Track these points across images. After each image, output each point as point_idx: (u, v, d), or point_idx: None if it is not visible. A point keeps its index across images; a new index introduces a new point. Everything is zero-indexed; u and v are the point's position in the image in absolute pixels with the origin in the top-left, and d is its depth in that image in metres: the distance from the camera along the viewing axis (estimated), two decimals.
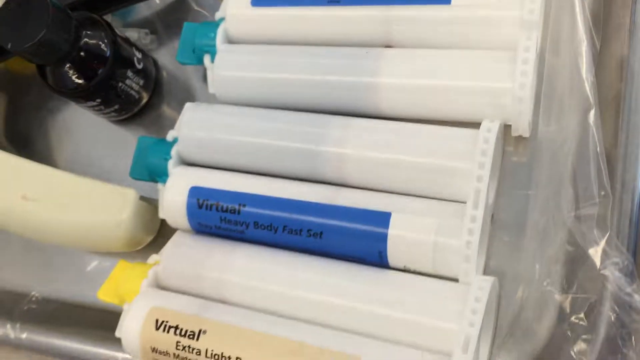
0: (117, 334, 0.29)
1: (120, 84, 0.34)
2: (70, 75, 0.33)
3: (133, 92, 0.35)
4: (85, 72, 0.33)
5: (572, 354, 0.26)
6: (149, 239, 0.34)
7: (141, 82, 0.36)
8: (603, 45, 0.28)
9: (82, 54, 0.33)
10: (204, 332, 0.27)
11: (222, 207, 0.30)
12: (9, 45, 0.31)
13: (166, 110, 0.37)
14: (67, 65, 0.33)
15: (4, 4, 0.32)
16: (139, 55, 0.36)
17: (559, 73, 0.27)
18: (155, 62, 0.37)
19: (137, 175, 0.33)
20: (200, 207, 0.30)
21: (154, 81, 0.37)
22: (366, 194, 0.29)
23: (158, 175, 0.32)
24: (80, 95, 0.34)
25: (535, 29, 0.28)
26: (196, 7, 0.37)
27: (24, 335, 0.33)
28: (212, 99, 0.33)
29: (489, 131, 0.27)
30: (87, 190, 0.32)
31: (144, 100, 0.37)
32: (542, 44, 0.29)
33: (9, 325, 0.33)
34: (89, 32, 0.33)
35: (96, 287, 0.31)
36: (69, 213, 0.32)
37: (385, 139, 0.28)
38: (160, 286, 0.30)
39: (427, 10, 0.29)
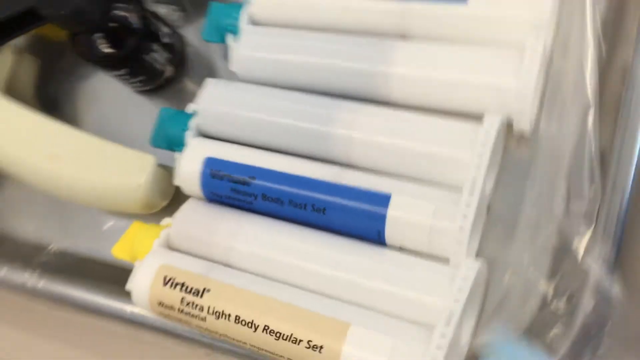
0: (128, 287, 0.31)
1: (146, 57, 0.36)
2: (99, 44, 0.35)
3: (158, 65, 0.37)
4: (114, 43, 0.35)
5: (550, 339, 0.27)
6: (164, 203, 0.36)
7: (167, 56, 0.38)
8: (610, 52, 0.29)
9: (112, 25, 0.35)
10: (208, 290, 0.29)
11: (233, 179, 0.32)
12: (45, 12, 0.33)
13: (189, 84, 0.39)
14: (98, 35, 0.35)
15: None
16: (166, 30, 0.38)
17: (565, 75, 0.29)
18: (181, 38, 0.39)
19: (157, 143, 0.35)
20: (213, 177, 0.32)
21: (179, 56, 0.39)
22: (370, 175, 0.30)
23: (176, 144, 0.34)
24: (107, 65, 0.36)
25: (544, 30, 0.29)
26: None
27: (40, 284, 0.35)
28: (233, 77, 0.35)
29: (491, 125, 0.28)
30: (110, 154, 0.35)
31: (169, 74, 0.39)
32: (552, 45, 0.30)
33: (27, 274, 0.36)
34: (120, 5, 0.35)
35: (111, 244, 0.33)
36: (91, 174, 0.34)
37: (392, 126, 0.30)
38: (171, 247, 0.32)
39: (443, 8, 0.31)
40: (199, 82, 0.37)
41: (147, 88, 0.39)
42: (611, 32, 0.29)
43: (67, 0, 0.33)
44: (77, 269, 0.36)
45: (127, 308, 0.33)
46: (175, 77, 0.39)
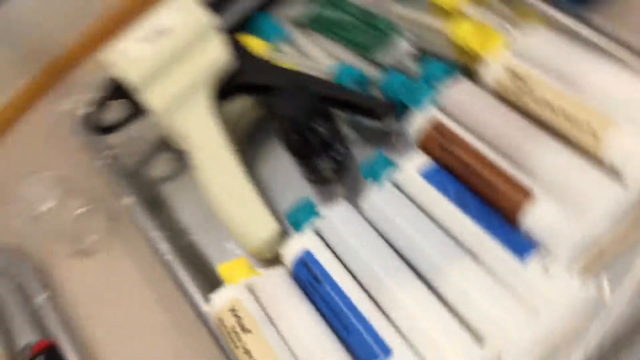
0: (211, 296, 0.45)
1: (316, 159, 0.50)
2: (289, 135, 0.49)
3: (321, 168, 0.51)
4: (300, 140, 0.49)
5: None
6: (270, 257, 0.49)
7: (332, 165, 0.51)
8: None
9: (310, 128, 0.49)
10: (250, 332, 0.42)
11: (313, 273, 0.44)
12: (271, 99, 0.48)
13: (338, 189, 0.52)
14: (292, 130, 0.49)
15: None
16: (341, 148, 0.51)
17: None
18: (350, 157, 0.52)
19: (289, 217, 0.48)
20: (302, 264, 0.45)
21: (341, 168, 0.52)
22: (388, 325, 0.41)
23: (298, 226, 0.47)
24: (289, 150, 0.50)
25: (558, 323, 0.39)
26: (395, 145, 0.51)
27: (169, 257, 0.50)
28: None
29: (484, 354, 0.38)
30: (255, 206, 0.49)
31: (327, 176, 0.52)
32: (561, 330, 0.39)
33: (167, 245, 0.51)
34: (320, 119, 0.49)
35: (223, 260, 0.47)
36: (236, 212, 0.49)
37: (419, 308, 0.41)
38: (250, 289, 0.46)
39: (506, 255, 0.41)
40: (346, 191, 0.50)
41: (309, 178, 0.52)
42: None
43: (287, 107, 0.47)
44: (194, 260, 0.51)
45: (204, 307, 0.47)
46: (332, 180, 0.52)
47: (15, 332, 0.52)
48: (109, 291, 0.54)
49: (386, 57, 0.53)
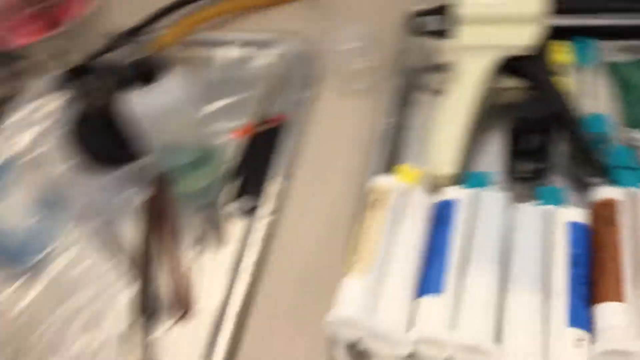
0: (381, 176, 0.60)
1: (522, 160, 0.60)
2: (515, 131, 0.60)
3: (520, 170, 0.61)
4: (520, 140, 0.60)
5: None
6: (436, 187, 0.62)
7: (528, 172, 0.61)
8: None
9: (529, 134, 0.59)
10: (381, 211, 0.57)
11: (443, 216, 0.57)
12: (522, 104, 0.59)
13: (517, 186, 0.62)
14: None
15: None
16: (543, 165, 0.60)
17: None
18: (545, 174, 0.61)
19: (469, 174, 0.61)
20: (444, 205, 0.58)
21: (532, 178, 0.62)
22: (455, 279, 0.53)
23: (467, 183, 0.59)
24: (510, 141, 0.61)
25: None
26: (580, 193, 0.59)
27: None
28: None
29: None
30: (456, 148, 0.61)
31: (519, 177, 0.62)
32: None
33: (386, 125, 0.67)
34: (545, 133, 0.59)
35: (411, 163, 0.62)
36: (441, 142, 0.62)
37: (476, 289, 0.52)
38: (405, 192, 0.60)
39: (563, 313, 0.50)
40: (519, 191, 0.61)
41: (505, 166, 0.63)
42: None
43: (527, 108, 0.57)
44: (394, 150, 0.66)
45: (372, 177, 0.62)
46: (520, 181, 0.62)
47: (273, 102, 0.75)
48: (337, 124, 0.73)
49: (636, 135, 0.60)
